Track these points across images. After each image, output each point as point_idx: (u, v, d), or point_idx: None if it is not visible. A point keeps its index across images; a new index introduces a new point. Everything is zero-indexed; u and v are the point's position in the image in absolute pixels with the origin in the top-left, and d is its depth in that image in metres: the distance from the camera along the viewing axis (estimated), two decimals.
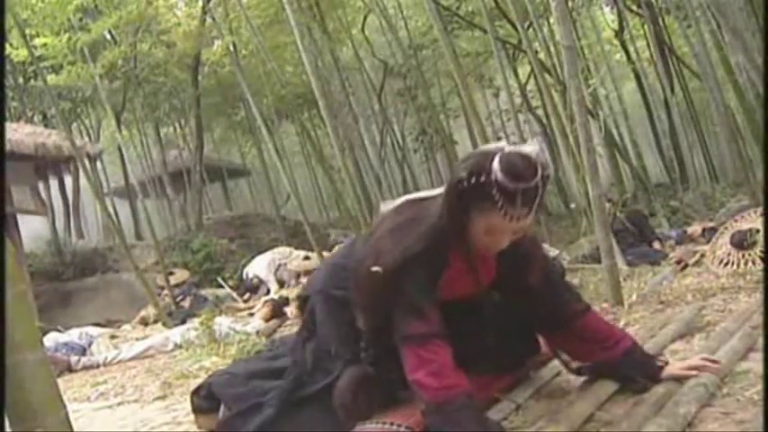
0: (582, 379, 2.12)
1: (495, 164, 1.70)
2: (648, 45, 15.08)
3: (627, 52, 15.38)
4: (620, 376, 1.99)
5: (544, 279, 2.05)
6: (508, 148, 1.74)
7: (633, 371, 1.96)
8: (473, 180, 1.73)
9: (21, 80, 14.98)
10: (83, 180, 12.55)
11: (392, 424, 1.86)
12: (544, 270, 2.07)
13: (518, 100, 15.28)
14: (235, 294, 9.50)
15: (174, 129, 19.30)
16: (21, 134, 9.85)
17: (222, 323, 5.23)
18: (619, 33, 15.34)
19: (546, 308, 2.07)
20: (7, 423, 1.14)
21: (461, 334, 1.88)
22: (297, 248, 10.61)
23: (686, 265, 5.24)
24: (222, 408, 2.28)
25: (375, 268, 1.87)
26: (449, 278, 1.92)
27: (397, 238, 1.90)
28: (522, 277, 2.03)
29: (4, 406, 1.16)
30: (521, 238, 1.87)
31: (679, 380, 1.89)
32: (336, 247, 9.09)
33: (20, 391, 1.15)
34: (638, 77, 15.21)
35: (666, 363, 1.99)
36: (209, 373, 3.12)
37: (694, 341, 2.49)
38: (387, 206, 2.07)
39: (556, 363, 2.26)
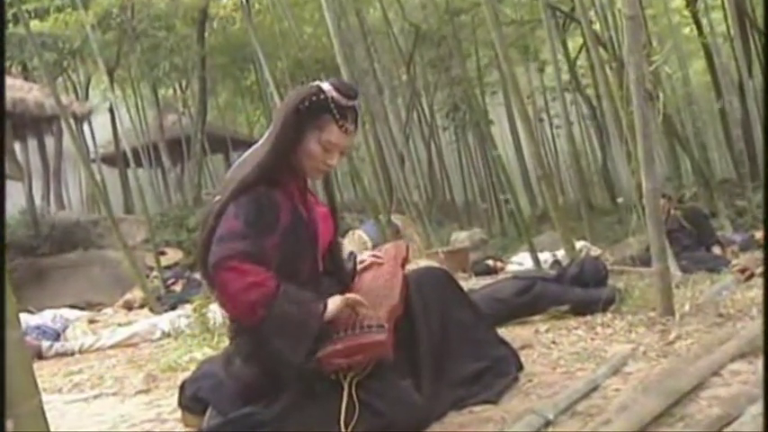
0: (622, 395, 2.12)
1: (328, 86, 2.27)
2: (726, 17, 14.64)
3: (698, 25, 15.00)
4: None
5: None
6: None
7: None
8: (313, 99, 2.24)
9: None
10: (67, 143, 12.64)
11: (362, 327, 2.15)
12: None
13: (565, 77, 15.15)
14: None
15: (174, 91, 19.30)
16: None
17: (217, 311, 5.24)
18: (691, 2, 14.95)
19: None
20: None
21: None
22: None
23: (752, 275, 5.16)
24: (210, 410, 2.31)
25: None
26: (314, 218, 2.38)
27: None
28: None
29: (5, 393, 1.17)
30: None
31: (737, 404, 1.87)
32: (349, 232, 9.09)
33: None
34: (708, 56, 14.85)
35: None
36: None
37: (758, 362, 2.43)
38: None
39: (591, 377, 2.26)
